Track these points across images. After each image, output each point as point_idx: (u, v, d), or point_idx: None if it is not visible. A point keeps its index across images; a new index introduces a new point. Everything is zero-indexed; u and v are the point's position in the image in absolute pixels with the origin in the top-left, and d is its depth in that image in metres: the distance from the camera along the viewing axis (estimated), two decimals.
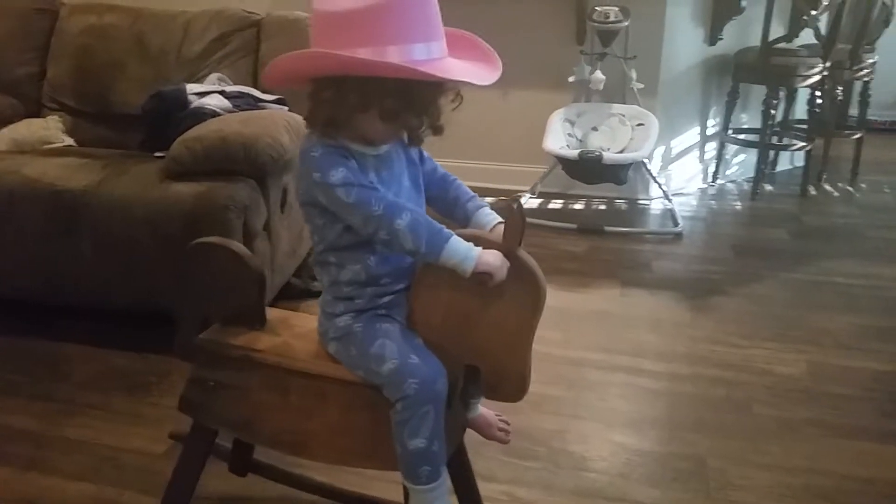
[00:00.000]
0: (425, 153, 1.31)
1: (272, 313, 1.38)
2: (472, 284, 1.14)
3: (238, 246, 1.31)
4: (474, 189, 1.34)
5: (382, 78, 1.08)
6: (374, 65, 1.06)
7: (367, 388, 1.21)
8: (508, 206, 1.13)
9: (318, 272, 1.28)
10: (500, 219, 1.26)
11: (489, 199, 1.35)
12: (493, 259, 1.13)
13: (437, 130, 1.18)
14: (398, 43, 1.07)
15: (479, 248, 1.13)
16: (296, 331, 1.35)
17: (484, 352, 1.19)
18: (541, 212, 3.42)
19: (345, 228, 1.18)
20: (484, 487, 1.43)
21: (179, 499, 1.38)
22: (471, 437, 1.41)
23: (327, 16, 1.10)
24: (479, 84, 1.12)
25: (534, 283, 1.15)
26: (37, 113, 2.79)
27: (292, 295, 2.43)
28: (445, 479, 1.22)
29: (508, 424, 1.44)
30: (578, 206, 3.58)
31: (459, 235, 1.15)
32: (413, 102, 1.12)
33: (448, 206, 1.31)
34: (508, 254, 1.14)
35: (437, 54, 1.11)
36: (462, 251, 1.12)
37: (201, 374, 1.34)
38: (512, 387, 1.21)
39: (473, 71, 1.15)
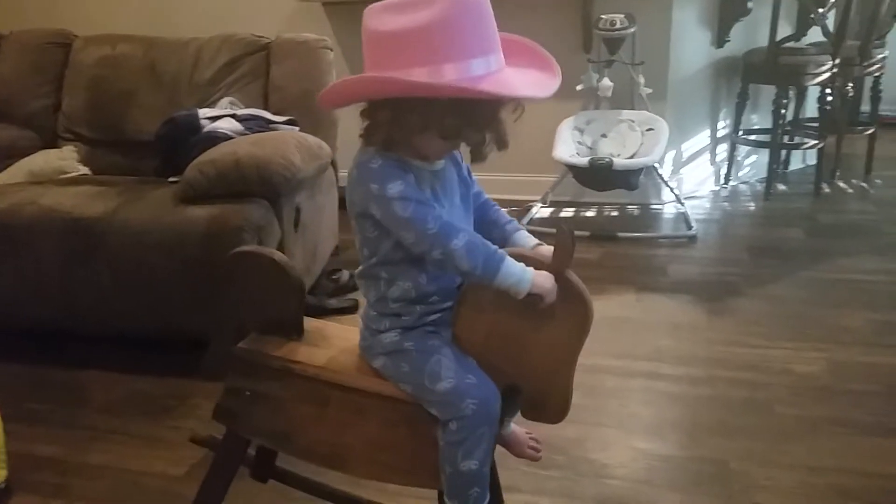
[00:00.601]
0: (473, 175, 1.29)
1: (309, 324, 1.37)
2: (518, 304, 1.13)
3: (280, 255, 1.30)
4: None
5: (440, 98, 1.06)
6: (434, 87, 1.04)
7: (407, 404, 1.20)
8: (560, 227, 1.12)
9: (362, 286, 1.25)
10: (538, 241, 1.25)
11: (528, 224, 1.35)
12: (544, 281, 1.11)
13: (502, 145, 1.15)
14: (455, 60, 1.04)
15: (533, 270, 1.11)
16: (334, 342, 1.34)
17: (527, 372, 1.18)
18: (553, 220, 3.43)
19: (397, 243, 1.16)
20: (506, 498, 1.42)
21: None
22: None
23: (381, 35, 1.07)
24: (541, 97, 1.10)
25: (582, 306, 1.14)
26: (53, 144, 2.85)
27: (307, 313, 2.42)
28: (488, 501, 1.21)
29: (539, 443, 1.42)
30: (590, 213, 3.58)
31: (509, 254, 1.13)
32: (474, 119, 1.10)
33: (486, 229, 1.28)
34: (558, 275, 1.13)
35: (494, 67, 1.08)
36: (517, 273, 1.10)
37: (238, 383, 1.33)
38: (553, 408, 1.20)
39: (532, 83, 1.12)
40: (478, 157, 1.16)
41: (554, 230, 1.14)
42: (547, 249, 1.18)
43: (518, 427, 1.42)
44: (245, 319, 1.37)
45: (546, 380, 1.18)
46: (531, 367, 1.17)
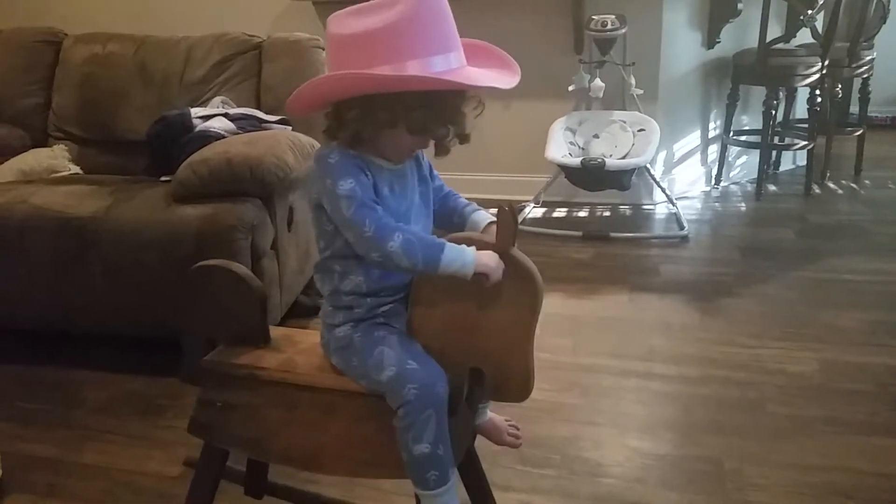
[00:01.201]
0: (434, 170, 1.32)
1: (276, 331, 1.39)
2: (468, 288, 1.15)
3: (238, 267, 1.32)
4: (477, 201, 1.35)
5: (408, 92, 1.10)
6: (403, 80, 1.07)
7: (372, 397, 1.22)
8: (500, 206, 1.14)
9: (318, 279, 1.29)
10: (493, 217, 1.26)
11: (492, 210, 1.36)
12: (488, 259, 1.14)
13: (464, 139, 1.19)
14: (418, 57, 1.08)
15: (476, 251, 1.14)
16: (300, 346, 1.36)
17: (486, 354, 1.20)
18: (545, 221, 3.43)
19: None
20: (501, 497, 1.43)
21: None
22: (486, 447, 1.42)
23: (344, 38, 1.11)
24: (503, 88, 1.14)
25: (530, 281, 1.16)
26: (43, 143, 2.83)
27: (301, 313, 2.44)
28: (454, 484, 1.22)
29: (519, 429, 1.44)
30: (583, 213, 3.59)
31: (452, 240, 1.16)
32: (440, 112, 1.14)
33: (446, 217, 1.33)
34: (503, 254, 1.15)
35: (455, 64, 1.12)
36: (459, 258, 1.13)
37: (209, 395, 1.35)
38: (516, 387, 1.21)
39: (495, 77, 1.16)
40: (441, 150, 1.20)
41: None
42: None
43: (496, 415, 1.43)
44: (213, 332, 1.38)
45: (504, 359, 1.20)
46: (488, 347, 1.20)
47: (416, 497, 1.23)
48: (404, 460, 1.19)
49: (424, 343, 1.23)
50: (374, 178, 1.17)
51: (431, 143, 1.20)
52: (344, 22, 1.12)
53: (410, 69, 1.07)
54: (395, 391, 1.17)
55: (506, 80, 1.17)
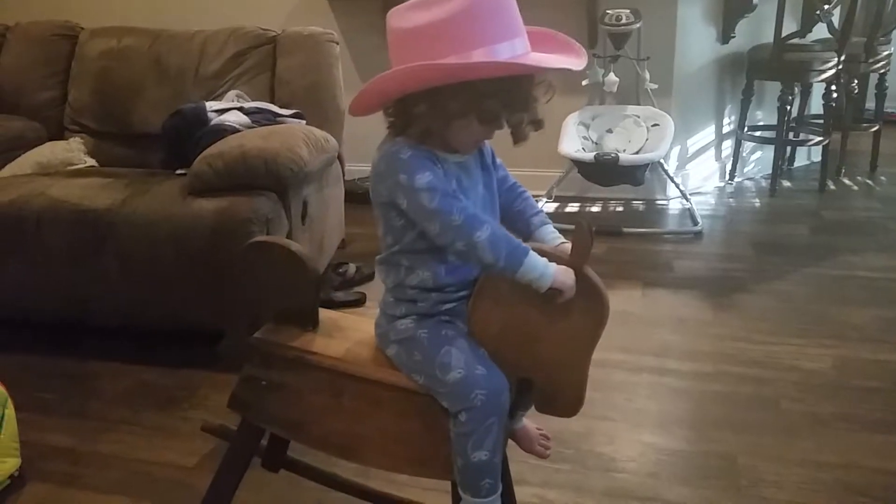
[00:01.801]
0: (498, 160, 1.30)
1: (324, 314, 1.38)
2: (535, 296, 1.14)
3: (296, 245, 1.31)
4: None
5: (477, 81, 1.07)
6: (475, 67, 1.06)
7: (420, 395, 1.21)
8: (578, 223, 1.12)
9: (382, 271, 1.26)
10: (563, 239, 1.26)
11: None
12: (565, 277, 1.11)
13: (538, 125, 1.16)
14: (483, 45, 1.06)
15: (554, 265, 1.12)
16: (349, 334, 1.35)
17: (542, 366, 1.18)
18: (558, 215, 3.43)
19: (421, 233, 1.17)
20: (515, 491, 1.43)
21: (223, 496, 1.39)
22: None
23: (407, 32, 1.09)
24: (573, 69, 1.12)
25: (599, 301, 1.14)
26: (59, 136, 2.85)
27: None
28: (500, 492, 1.22)
29: (549, 439, 1.43)
30: (595, 208, 3.58)
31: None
32: (511, 99, 1.11)
33: (512, 217, 1.30)
34: (576, 271, 1.13)
35: (521, 50, 1.10)
36: (540, 268, 1.11)
37: (254, 372, 1.33)
38: (567, 402, 1.20)
39: (564, 59, 1.14)
40: (519, 137, 1.16)
41: (572, 226, 1.14)
42: (568, 247, 1.19)
43: (529, 422, 1.42)
44: (260, 310, 1.37)
45: (560, 374, 1.19)
46: (546, 360, 1.18)
47: (455, 500, 1.22)
48: (458, 465, 1.18)
49: (480, 344, 1.21)
50: (444, 171, 1.15)
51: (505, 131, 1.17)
52: (405, 16, 1.10)
53: (476, 57, 1.05)
54: (460, 394, 1.15)
55: (574, 61, 1.15)
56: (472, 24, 1.06)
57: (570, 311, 1.15)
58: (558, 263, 1.13)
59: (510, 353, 1.19)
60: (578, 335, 1.16)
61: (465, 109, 1.10)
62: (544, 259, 1.12)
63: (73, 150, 2.71)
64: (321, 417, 1.29)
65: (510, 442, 1.42)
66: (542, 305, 1.15)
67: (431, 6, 1.07)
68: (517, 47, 1.09)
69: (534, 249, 1.14)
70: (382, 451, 1.26)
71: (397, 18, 1.11)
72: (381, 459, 1.27)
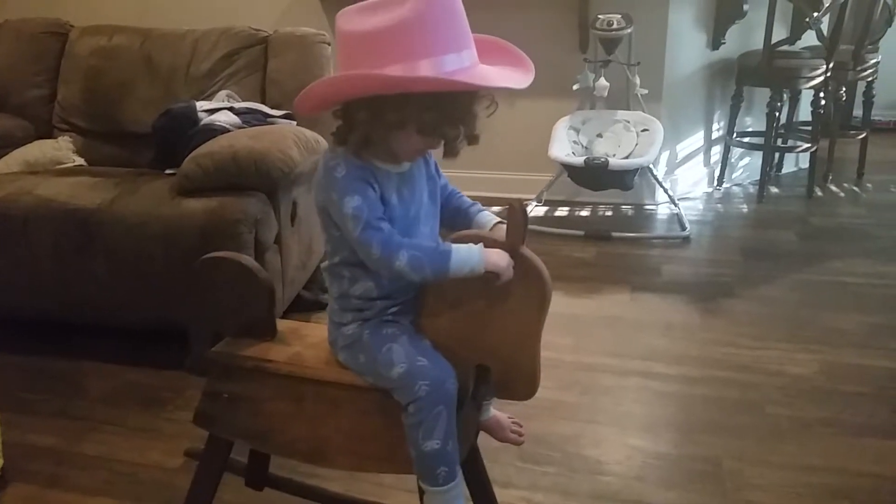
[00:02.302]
0: (439, 168, 1.31)
1: (283, 324, 1.40)
2: (477, 286, 1.16)
3: (247, 259, 1.33)
4: (480, 199, 1.36)
5: (419, 92, 1.07)
6: (415, 80, 1.05)
7: (379, 392, 1.23)
8: (510, 204, 1.14)
9: (327, 280, 1.28)
10: (499, 219, 1.28)
11: (494, 208, 1.37)
12: (498, 259, 1.14)
13: (473, 140, 1.17)
14: (429, 56, 1.05)
15: (484, 250, 1.14)
16: (307, 340, 1.37)
17: (493, 351, 1.21)
18: (547, 219, 3.43)
19: None
20: (501, 494, 1.44)
21: None
22: (487, 443, 1.42)
23: (354, 36, 1.09)
24: (515, 88, 1.11)
25: (539, 281, 1.16)
26: (48, 134, 2.83)
27: (303, 307, 2.45)
28: (461, 480, 1.23)
29: (521, 426, 1.45)
30: (585, 212, 3.59)
31: (462, 237, 1.17)
32: (451, 113, 1.11)
33: (451, 217, 1.32)
34: (513, 252, 1.15)
35: (468, 63, 1.09)
36: (469, 262, 1.13)
37: (215, 387, 1.35)
38: (522, 385, 1.22)
39: (508, 76, 1.14)
40: (451, 151, 1.17)
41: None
42: (503, 228, 1.21)
43: (500, 412, 1.43)
44: (220, 324, 1.38)
45: (512, 357, 1.20)
46: (496, 345, 1.20)
47: (420, 492, 1.24)
48: (413, 456, 1.20)
49: (432, 339, 1.23)
50: (382, 187, 1.16)
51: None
52: (353, 19, 1.09)
53: (423, 68, 1.05)
54: (405, 388, 1.17)
55: (519, 78, 1.14)
56: (419, 33, 1.05)
57: (511, 294, 1.17)
58: (494, 247, 1.15)
59: (461, 344, 1.21)
60: (523, 317, 1.18)
61: (404, 120, 1.10)
62: (468, 249, 1.14)
63: (61, 149, 2.70)
64: (284, 424, 1.30)
65: (492, 443, 1.44)
66: (484, 292, 1.17)
67: (380, 12, 1.07)
68: (464, 59, 1.09)
69: (471, 236, 1.17)
70: (346, 451, 1.27)
71: (346, 21, 1.10)
72: (347, 459, 1.28)
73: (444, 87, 1.07)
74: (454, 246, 1.15)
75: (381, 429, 1.25)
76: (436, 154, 1.23)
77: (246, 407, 1.33)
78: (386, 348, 1.20)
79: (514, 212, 1.14)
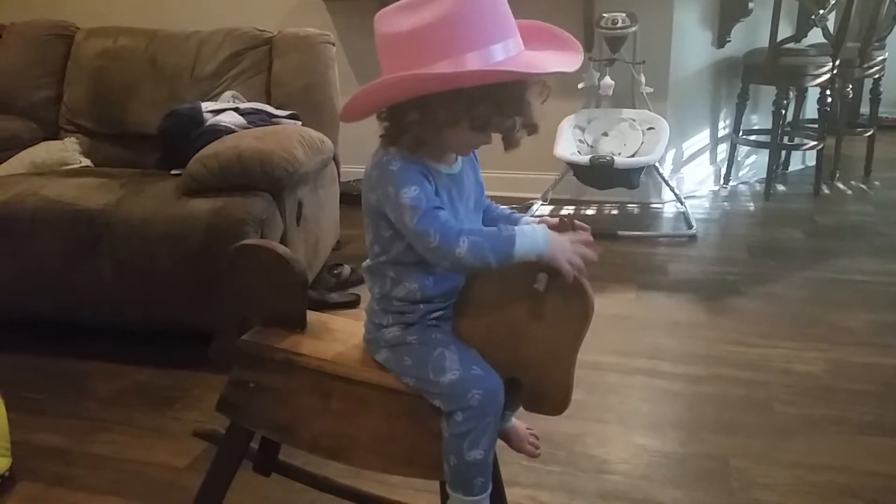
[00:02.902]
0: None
1: (312, 317, 1.38)
2: (519, 295, 1.14)
3: (283, 248, 1.31)
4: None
5: (467, 88, 1.04)
6: (462, 76, 1.02)
7: (409, 395, 1.21)
8: (560, 219, 1.13)
9: (368, 279, 1.25)
10: (545, 218, 1.25)
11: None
12: (561, 248, 1.09)
13: (532, 129, 1.13)
14: (476, 48, 1.03)
15: (551, 233, 1.11)
16: (337, 335, 1.35)
17: (528, 363, 1.18)
18: (553, 219, 3.42)
19: (409, 245, 1.15)
20: (507, 492, 1.42)
21: (213, 499, 1.38)
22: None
23: (396, 37, 1.06)
24: (566, 71, 1.08)
25: (583, 297, 1.14)
26: (54, 136, 2.85)
27: (309, 307, 2.44)
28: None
29: (538, 439, 1.43)
30: (590, 211, 3.59)
31: None
32: (503, 104, 1.07)
33: (493, 223, 1.27)
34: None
35: (514, 51, 1.07)
36: (533, 246, 1.09)
37: (242, 375, 1.33)
38: (554, 401, 1.20)
39: (556, 60, 1.10)
40: (510, 143, 1.13)
41: None
42: None
43: (519, 422, 1.42)
44: (249, 312, 1.37)
45: (546, 372, 1.19)
46: (532, 359, 1.18)
47: (443, 497, 1.22)
48: (451, 464, 1.17)
49: (467, 344, 1.20)
50: (435, 184, 1.13)
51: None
52: (393, 20, 1.06)
53: (470, 62, 1.02)
54: (455, 395, 1.15)
55: (568, 61, 1.11)
56: (462, 26, 1.03)
57: (554, 307, 1.15)
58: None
59: (497, 354, 1.19)
60: (563, 333, 1.16)
61: (456, 117, 1.07)
62: (535, 228, 1.12)
63: (68, 150, 2.71)
64: (310, 419, 1.29)
65: (501, 444, 1.43)
66: (525, 302, 1.15)
67: (419, 9, 1.04)
68: (510, 48, 1.06)
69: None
70: (371, 452, 1.26)
71: (385, 22, 1.07)
72: (371, 460, 1.27)
73: (494, 79, 1.04)
74: (518, 229, 1.11)
75: (407, 432, 1.23)
76: (500, 145, 1.16)
77: (272, 398, 1.31)
78: (438, 353, 1.17)
79: (565, 226, 1.14)
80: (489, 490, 1.20)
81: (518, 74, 1.05)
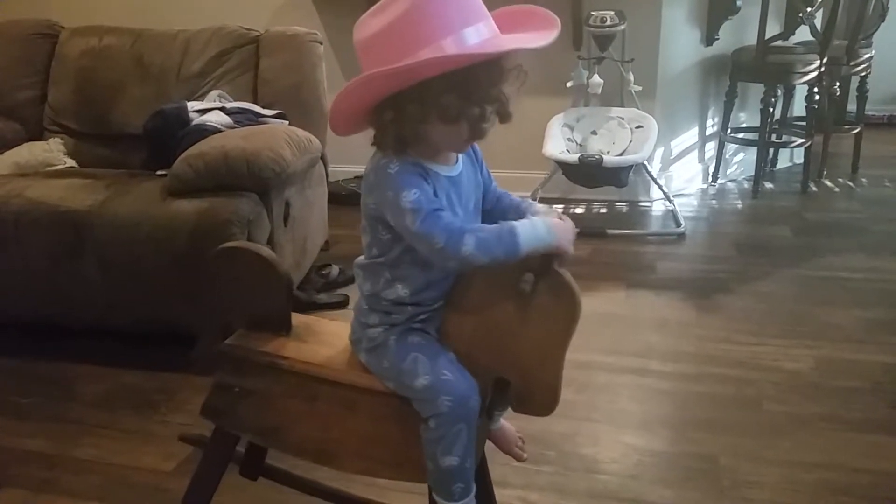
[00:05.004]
0: (490, 174, 1.28)
1: (297, 319, 1.37)
2: (506, 295, 1.13)
3: (266, 250, 1.30)
4: None
5: (432, 79, 1.02)
6: (413, 68, 1.00)
7: (395, 397, 1.20)
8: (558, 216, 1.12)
9: (360, 276, 1.24)
10: (546, 207, 1.24)
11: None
12: (562, 230, 1.10)
13: (505, 117, 1.11)
14: (433, 41, 1.01)
15: (547, 219, 1.11)
16: (322, 338, 1.34)
17: (515, 363, 1.17)
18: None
19: (407, 248, 1.14)
20: (497, 493, 1.43)
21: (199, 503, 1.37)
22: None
23: (367, 41, 1.06)
24: (532, 47, 1.04)
25: (570, 297, 1.13)
26: (39, 136, 2.82)
27: (296, 308, 2.40)
28: (474, 494, 1.21)
29: (524, 442, 1.42)
30: (580, 210, 3.59)
31: None
32: (470, 92, 1.05)
33: (502, 214, 1.26)
34: (548, 266, 1.12)
35: (487, 34, 1.04)
36: (536, 236, 1.08)
37: (226, 379, 1.32)
38: (542, 401, 1.19)
39: (524, 38, 1.07)
40: (477, 133, 1.10)
41: None
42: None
43: (508, 424, 1.42)
44: (232, 316, 1.36)
45: (534, 373, 1.18)
46: (519, 359, 1.17)
47: (431, 501, 1.21)
48: (429, 470, 1.17)
49: (454, 346, 1.20)
50: (434, 185, 1.12)
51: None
52: (365, 24, 1.06)
53: (425, 53, 1.00)
54: (427, 401, 1.14)
55: (535, 38, 1.07)
56: (422, 19, 1.01)
57: (541, 307, 1.14)
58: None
59: (484, 354, 1.18)
60: (550, 333, 1.15)
61: (424, 110, 1.05)
62: (532, 220, 1.10)
63: (52, 151, 2.68)
64: (295, 423, 1.28)
65: (490, 445, 1.42)
66: (513, 303, 1.14)
67: (386, 9, 1.04)
68: (482, 31, 1.04)
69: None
70: (357, 455, 1.24)
71: (358, 29, 1.07)
72: (357, 463, 1.25)
73: (446, 66, 1.01)
74: (513, 223, 1.10)
75: (393, 435, 1.22)
76: (490, 141, 1.15)
77: (257, 402, 1.30)
78: (411, 357, 1.16)
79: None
80: (471, 495, 1.19)
81: (467, 57, 1.02)
